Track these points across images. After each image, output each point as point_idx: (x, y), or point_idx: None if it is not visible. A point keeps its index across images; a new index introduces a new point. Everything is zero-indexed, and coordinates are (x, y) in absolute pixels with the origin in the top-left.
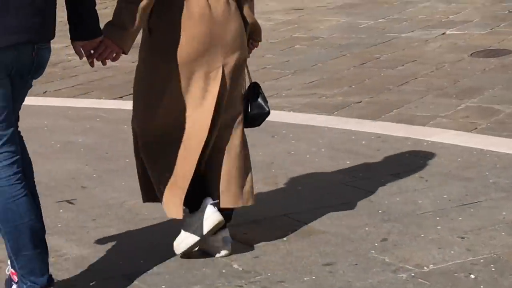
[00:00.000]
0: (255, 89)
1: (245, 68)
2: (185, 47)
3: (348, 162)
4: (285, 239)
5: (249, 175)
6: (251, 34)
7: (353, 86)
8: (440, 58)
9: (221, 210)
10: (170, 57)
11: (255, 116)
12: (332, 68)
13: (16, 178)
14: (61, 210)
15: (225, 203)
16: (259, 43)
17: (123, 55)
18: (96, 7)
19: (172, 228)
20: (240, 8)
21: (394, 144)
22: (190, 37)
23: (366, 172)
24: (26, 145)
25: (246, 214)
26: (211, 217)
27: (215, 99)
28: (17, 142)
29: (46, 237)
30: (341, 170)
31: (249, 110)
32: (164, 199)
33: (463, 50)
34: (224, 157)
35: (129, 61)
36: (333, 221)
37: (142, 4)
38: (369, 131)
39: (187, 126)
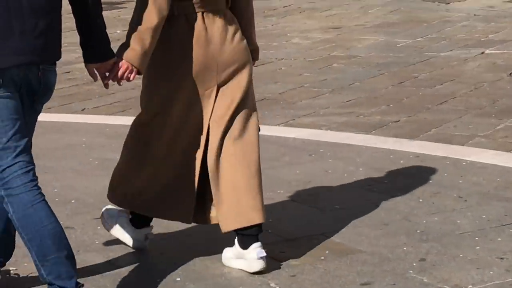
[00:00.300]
0: None
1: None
2: (182, 66)
3: (386, 181)
4: (322, 258)
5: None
6: (253, 53)
7: (391, 105)
8: (479, 77)
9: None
10: (168, 75)
11: None
12: (370, 87)
13: (32, 185)
14: (98, 227)
15: (256, 219)
16: (292, 63)
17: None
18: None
19: (210, 249)
20: (242, 28)
21: (433, 163)
22: (186, 57)
23: (404, 191)
24: (65, 162)
25: (283, 232)
26: (254, 267)
27: (208, 117)
28: (30, 153)
29: (84, 254)
30: (378, 189)
31: None
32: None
33: (502, 70)
34: (244, 173)
35: None
36: (371, 240)
37: (153, 24)
38: (407, 150)
39: (186, 142)
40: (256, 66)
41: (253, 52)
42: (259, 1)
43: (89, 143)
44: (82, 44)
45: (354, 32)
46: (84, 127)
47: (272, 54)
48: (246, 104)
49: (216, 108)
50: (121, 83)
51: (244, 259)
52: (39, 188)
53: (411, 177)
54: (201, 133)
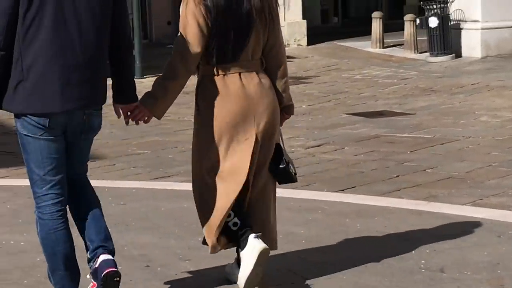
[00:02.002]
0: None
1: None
2: (225, 119)
3: None
4: None
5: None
6: (285, 108)
7: None
8: None
9: None
10: (212, 128)
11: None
12: None
13: (58, 214)
14: None
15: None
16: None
17: None
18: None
19: None
20: (274, 86)
21: None
22: (229, 111)
23: None
24: None
25: None
26: (256, 246)
27: (249, 157)
28: (65, 186)
29: None
30: None
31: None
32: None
33: None
34: (261, 207)
35: (351, 154)
36: None
37: (176, 82)
38: None
39: (228, 178)
40: (442, 144)
41: (288, 108)
42: (447, 78)
43: None
44: (114, 88)
45: None
46: None
47: (459, 132)
48: (270, 153)
49: (255, 153)
50: (138, 123)
51: (245, 254)
52: (64, 217)
53: None
54: (240, 175)
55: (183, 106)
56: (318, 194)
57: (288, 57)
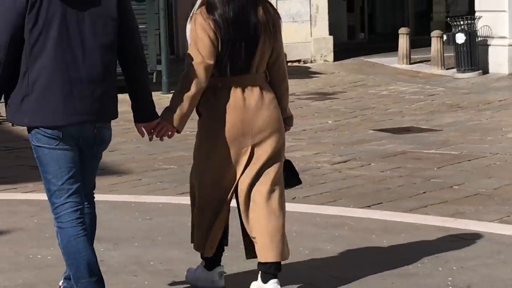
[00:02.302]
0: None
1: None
2: (223, 129)
3: None
4: None
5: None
6: (285, 120)
7: None
8: None
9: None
10: (213, 136)
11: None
12: None
13: (78, 222)
14: None
15: (269, 258)
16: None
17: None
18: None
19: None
20: (278, 98)
21: None
22: (227, 122)
23: None
24: None
25: None
26: None
27: (242, 169)
28: (82, 194)
29: None
30: None
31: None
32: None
33: None
34: (268, 216)
35: (378, 170)
36: None
37: (192, 93)
38: None
39: (224, 186)
40: (469, 160)
41: (287, 119)
42: (474, 94)
43: (299, 232)
44: (134, 108)
45: None
46: (294, 216)
47: (486, 149)
48: (275, 163)
49: (249, 164)
50: (163, 139)
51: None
52: (84, 224)
53: None
54: (233, 185)
55: None
56: (345, 210)
57: (315, 72)
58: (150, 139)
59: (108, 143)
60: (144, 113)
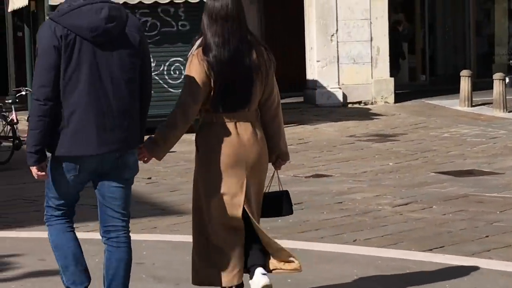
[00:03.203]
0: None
1: (266, 177)
2: (220, 163)
3: None
4: None
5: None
6: (281, 155)
7: None
8: None
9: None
10: (210, 169)
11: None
12: None
13: (65, 220)
14: None
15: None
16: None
17: None
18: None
19: None
20: (270, 135)
21: None
22: (223, 155)
23: None
24: None
25: None
26: (261, 281)
27: (242, 201)
28: (72, 212)
29: None
30: None
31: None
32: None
33: None
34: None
35: (439, 213)
36: None
37: (178, 130)
38: None
39: (225, 217)
40: None
41: (283, 155)
42: None
43: (360, 275)
44: None
45: None
46: (355, 258)
47: None
48: (261, 193)
49: (248, 192)
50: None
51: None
52: (71, 223)
53: None
54: (233, 215)
55: None
56: (406, 253)
57: (375, 114)
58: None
59: (134, 169)
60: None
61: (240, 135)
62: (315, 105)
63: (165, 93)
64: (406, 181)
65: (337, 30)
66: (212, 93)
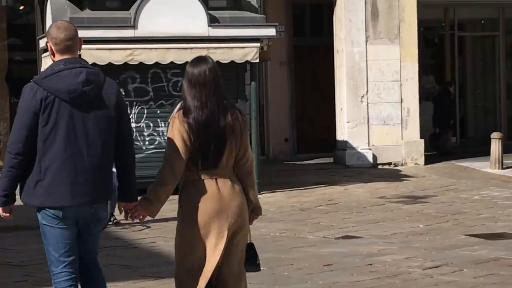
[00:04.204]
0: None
1: (247, 230)
2: (202, 217)
3: None
4: None
5: None
6: (254, 210)
7: None
8: None
9: None
10: (193, 223)
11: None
12: None
13: (69, 277)
14: None
15: None
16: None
17: None
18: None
19: None
20: (244, 190)
21: None
22: (205, 209)
23: None
24: None
25: None
26: None
27: (222, 249)
28: (76, 265)
29: None
30: None
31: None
32: None
33: None
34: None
35: (470, 276)
36: None
37: (168, 186)
38: None
39: (206, 265)
40: None
41: (256, 209)
42: None
43: None
44: (119, 188)
45: None
46: None
47: None
48: (244, 244)
49: (229, 244)
50: (135, 220)
51: None
52: (75, 280)
53: None
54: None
55: (300, 223)
56: None
57: (405, 176)
58: (126, 218)
59: (104, 221)
60: (126, 194)
61: (220, 190)
62: (345, 166)
63: None
64: (437, 243)
65: (367, 92)
66: (192, 151)
